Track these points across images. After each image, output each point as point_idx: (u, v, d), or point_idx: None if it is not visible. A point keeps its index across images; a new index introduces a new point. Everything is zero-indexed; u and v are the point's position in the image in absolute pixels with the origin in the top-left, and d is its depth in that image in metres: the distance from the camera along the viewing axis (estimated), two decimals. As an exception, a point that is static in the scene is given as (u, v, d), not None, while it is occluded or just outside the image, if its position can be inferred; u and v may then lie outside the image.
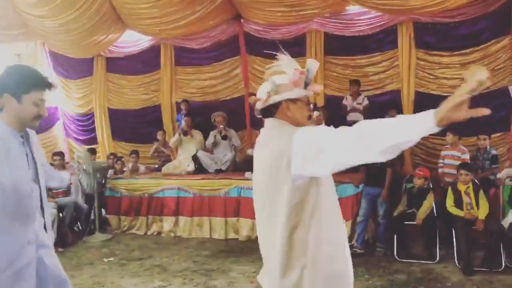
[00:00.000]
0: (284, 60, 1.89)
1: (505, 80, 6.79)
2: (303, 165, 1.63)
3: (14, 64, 2.24)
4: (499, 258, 4.68)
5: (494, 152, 6.05)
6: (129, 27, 8.49)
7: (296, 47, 8.03)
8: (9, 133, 2.04)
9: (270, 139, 1.83)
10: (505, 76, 6.80)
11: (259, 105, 1.90)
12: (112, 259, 5.57)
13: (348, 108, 7.24)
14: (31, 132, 2.23)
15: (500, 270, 4.61)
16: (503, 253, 4.69)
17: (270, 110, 1.87)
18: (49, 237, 2.27)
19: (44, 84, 2.09)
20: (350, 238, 5.42)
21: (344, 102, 7.32)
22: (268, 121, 1.89)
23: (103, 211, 7.09)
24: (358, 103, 7.20)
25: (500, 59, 6.82)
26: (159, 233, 6.71)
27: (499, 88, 6.80)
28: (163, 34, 8.53)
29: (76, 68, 9.67)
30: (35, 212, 2.12)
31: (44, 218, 2.21)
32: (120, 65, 9.47)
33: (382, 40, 7.59)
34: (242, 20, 8.27)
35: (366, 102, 7.19)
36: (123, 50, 9.34)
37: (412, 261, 5.03)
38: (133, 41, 9.19)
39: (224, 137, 7.46)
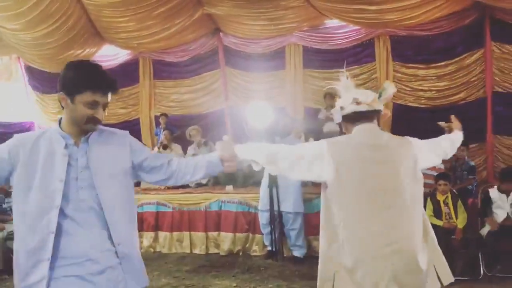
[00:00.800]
0: (343, 82, 2.14)
1: (480, 91, 6.94)
2: (425, 166, 2.07)
3: (76, 60, 2.03)
4: (478, 267, 4.72)
5: (471, 163, 6.13)
6: (107, 41, 8.43)
7: (275, 60, 8.10)
8: (58, 135, 1.86)
9: (389, 144, 2.02)
10: (479, 88, 6.95)
11: (360, 107, 2.01)
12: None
13: (323, 117, 7.18)
14: (105, 132, 1.97)
15: (479, 278, 4.64)
16: (481, 262, 4.73)
17: (368, 115, 2.03)
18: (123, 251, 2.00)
19: (100, 85, 1.87)
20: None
21: (320, 116, 7.29)
22: (372, 125, 2.04)
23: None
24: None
25: (474, 71, 6.97)
26: (138, 249, 6.57)
27: (474, 99, 6.95)
28: (141, 47, 8.50)
29: (53, 82, 9.37)
30: (71, 225, 1.81)
31: (109, 230, 1.89)
32: (97, 79, 9.37)
33: (360, 53, 7.70)
34: (221, 34, 8.31)
35: None
36: (101, 64, 9.23)
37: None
38: (111, 55, 9.12)
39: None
